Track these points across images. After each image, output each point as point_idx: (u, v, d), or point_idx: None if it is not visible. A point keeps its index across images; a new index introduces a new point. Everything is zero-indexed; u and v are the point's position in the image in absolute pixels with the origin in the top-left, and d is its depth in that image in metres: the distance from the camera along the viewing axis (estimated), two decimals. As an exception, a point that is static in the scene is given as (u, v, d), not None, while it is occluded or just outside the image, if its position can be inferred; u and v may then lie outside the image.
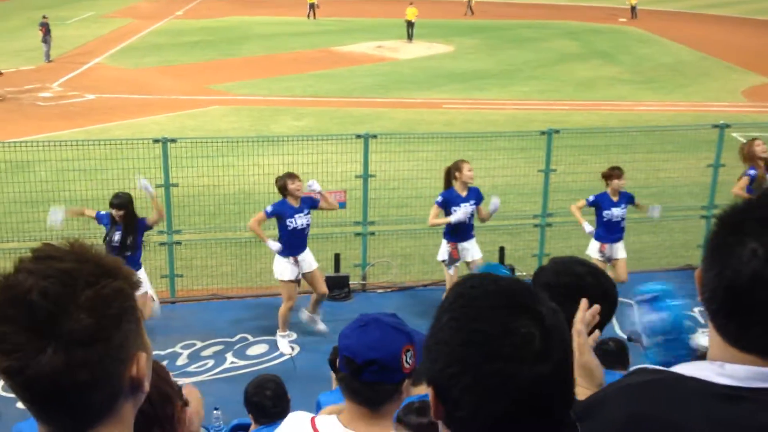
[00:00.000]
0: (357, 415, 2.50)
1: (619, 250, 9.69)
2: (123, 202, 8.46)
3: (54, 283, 1.25)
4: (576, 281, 2.50)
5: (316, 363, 8.04)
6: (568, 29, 40.41)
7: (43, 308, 1.24)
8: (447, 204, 9.21)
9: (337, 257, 10.63)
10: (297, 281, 9.01)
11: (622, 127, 16.39)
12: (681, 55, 33.45)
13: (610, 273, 9.52)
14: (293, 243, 8.85)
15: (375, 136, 10.95)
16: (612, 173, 9.55)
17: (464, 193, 9.20)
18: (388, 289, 10.87)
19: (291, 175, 8.81)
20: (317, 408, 4.41)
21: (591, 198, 9.64)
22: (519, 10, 48.95)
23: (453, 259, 9.37)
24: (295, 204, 8.78)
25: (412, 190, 11.65)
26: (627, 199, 9.64)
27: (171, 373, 2.45)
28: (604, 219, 9.55)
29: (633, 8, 45.14)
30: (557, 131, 11.33)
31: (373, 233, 11.10)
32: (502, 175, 11.58)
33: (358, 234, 10.92)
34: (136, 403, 1.42)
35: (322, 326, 9.23)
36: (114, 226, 8.58)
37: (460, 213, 9.13)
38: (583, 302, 2.22)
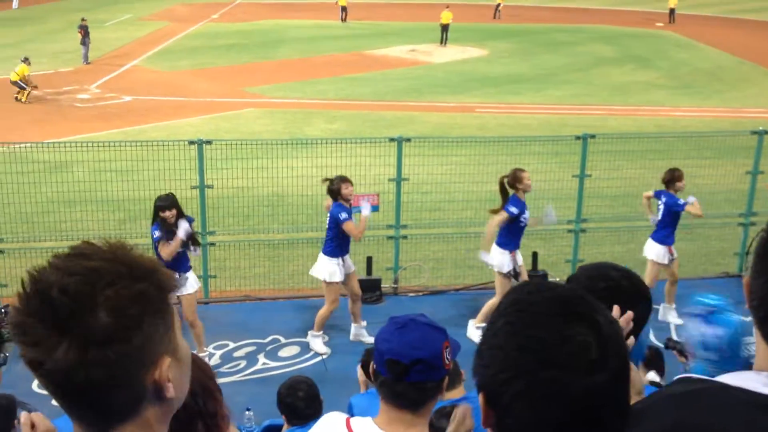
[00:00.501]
0: (395, 418, 2.49)
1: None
2: (173, 201, 8.21)
3: (76, 281, 1.26)
4: (613, 285, 2.45)
5: (347, 365, 8.05)
6: (604, 33, 40.08)
7: (63, 304, 1.25)
8: (521, 214, 9.02)
9: (369, 260, 10.63)
10: (344, 283, 9.07)
11: (658, 133, 16.23)
12: (719, 60, 33.00)
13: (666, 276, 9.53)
14: (342, 244, 8.94)
15: (409, 140, 10.94)
16: (674, 175, 9.35)
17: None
18: (420, 293, 10.85)
19: (345, 180, 8.80)
20: (349, 410, 4.40)
21: (671, 200, 9.39)
22: (553, 14, 48.67)
23: (517, 272, 9.16)
24: (348, 206, 8.88)
25: (444, 194, 11.62)
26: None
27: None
28: (671, 220, 9.43)
29: (672, 12, 44.59)
30: (593, 136, 11.22)
31: (405, 237, 11.08)
32: (535, 180, 11.40)
33: (390, 237, 10.91)
34: (165, 410, 1.40)
35: (370, 339, 9.16)
36: (168, 232, 8.19)
37: (531, 220, 9.18)
38: (615, 309, 2.18)
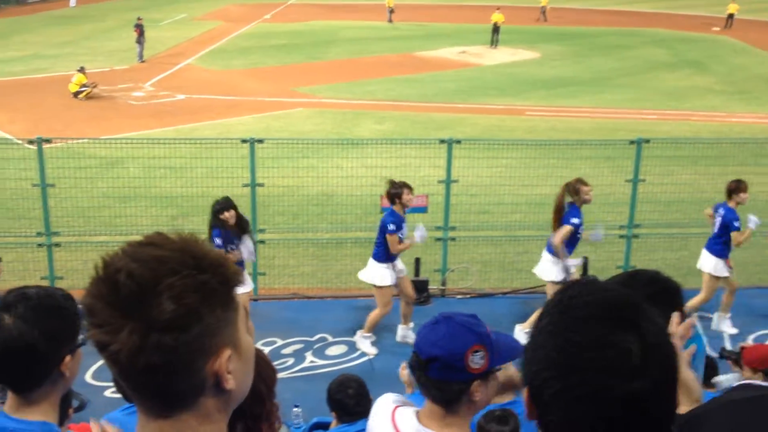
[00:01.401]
0: (432, 412, 2.51)
1: None
2: (230, 202, 8.29)
3: (141, 267, 1.30)
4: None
5: (393, 366, 8.06)
6: (658, 37, 39.45)
7: (128, 289, 1.28)
8: (581, 225, 9.03)
9: (417, 261, 10.64)
10: (395, 286, 9.10)
11: (713, 138, 15.92)
12: (777, 65, 32.26)
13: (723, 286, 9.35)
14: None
15: (459, 141, 10.91)
16: (739, 186, 9.17)
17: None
18: (467, 296, 10.82)
19: (407, 186, 8.84)
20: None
21: (729, 216, 9.22)
22: (606, 17, 48.03)
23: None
24: (402, 214, 8.90)
25: (493, 197, 11.57)
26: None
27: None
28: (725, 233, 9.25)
29: (730, 16, 43.65)
30: (647, 140, 11.07)
31: (453, 239, 11.06)
32: (586, 185, 11.38)
33: (438, 239, 10.90)
34: (224, 402, 1.41)
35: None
36: (230, 236, 8.26)
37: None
38: (676, 315, 2.15)
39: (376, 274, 8.99)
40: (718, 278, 9.36)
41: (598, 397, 1.32)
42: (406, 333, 9.36)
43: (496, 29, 35.13)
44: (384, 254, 8.94)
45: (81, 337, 2.02)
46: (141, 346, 1.28)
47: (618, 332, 1.35)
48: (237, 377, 1.39)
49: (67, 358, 2.22)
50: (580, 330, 1.36)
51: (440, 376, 2.42)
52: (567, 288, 1.48)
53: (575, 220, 8.86)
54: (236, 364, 1.39)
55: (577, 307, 1.41)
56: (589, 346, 1.34)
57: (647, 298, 2.22)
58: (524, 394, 1.44)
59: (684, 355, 2.17)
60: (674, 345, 1.42)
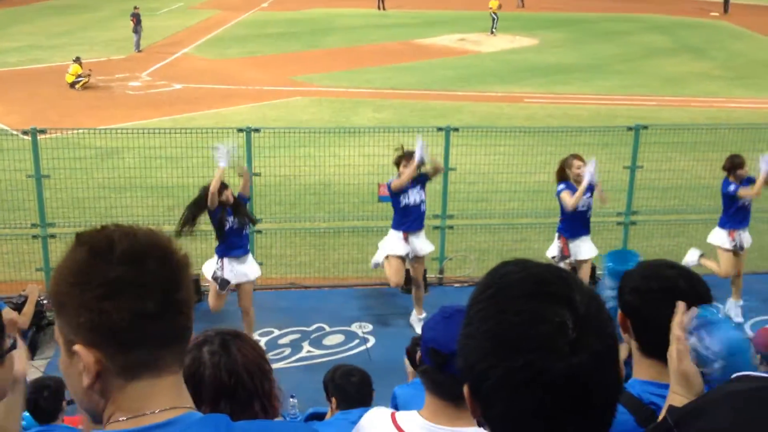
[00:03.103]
0: (439, 409, 2.47)
1: (746, 239, 9.42)
2: (225, 183, 8.13)
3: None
4: (668, 286, 2.30)
5: (390, 355, 8.05)
6: (657, 23, 39.32)
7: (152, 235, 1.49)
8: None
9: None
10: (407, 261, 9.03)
11: (711, 124, 15.85)
12: (776, 50, 32.17)
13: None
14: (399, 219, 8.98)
15: (456, 129, 10.87)
16: (734, 162, 9.13)
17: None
18: (465, 284, 10.79)
19: (410, 154, 8.71)
20: (392, 400, 4.40)
21: (723, 186, 9.26)
22: (605, 4, 47.83)
23: (563, 255, 9.00)
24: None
25: (491, 185, 11.53)
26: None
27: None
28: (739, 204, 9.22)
29: (726, 1, 43.52)
30: (645, 127, 11.02)
31: (451, 227, 11.03)
32: (584, 171, 11.34)
33: (436, 227, 10.86)
34: None
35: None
36: (224, 210, 8.10)
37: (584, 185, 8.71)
38: (681, 305, 2.08)
39: (387, 241, 8.96)
40: (725, 251, 9.32)
41: (539, 379, 1.24)
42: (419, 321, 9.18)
43: (494, 15, 34.98)
44: (397, 221, 8.90)
45: (11, 342, 1.93)
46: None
47: (551, 307, 1.28)
48: None
49: None
50: (513, 308, 1.29)
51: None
52: (494, 271, 1.40)
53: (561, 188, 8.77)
54: None
55: (508, 286, 1.33)
56: (523, 323, 1.27)
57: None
58: (465, 391, 1.36)
59: (687, 347, 2.11)
60: (607, 314, 1.34)
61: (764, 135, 13.66)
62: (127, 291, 1.35)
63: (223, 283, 8.14)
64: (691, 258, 9.45)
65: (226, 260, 8.18)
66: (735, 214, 9.28)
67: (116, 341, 1.35)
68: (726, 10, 43.30)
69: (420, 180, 8.84)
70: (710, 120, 18.85)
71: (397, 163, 8.77)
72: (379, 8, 42.96)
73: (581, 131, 13.05)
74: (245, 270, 8.33)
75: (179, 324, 1.42)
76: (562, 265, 8.71)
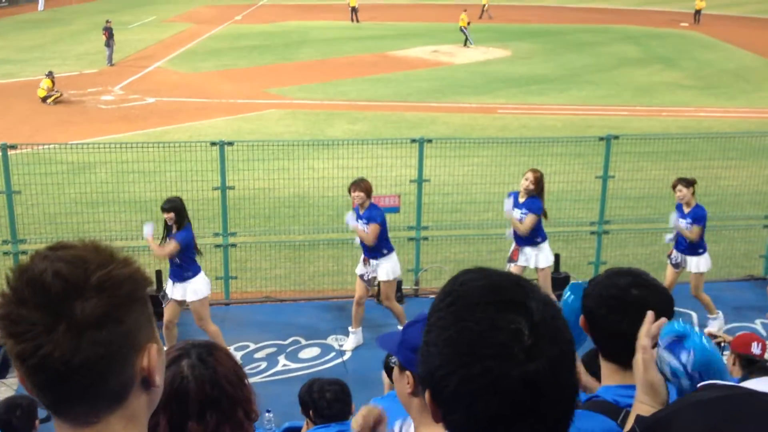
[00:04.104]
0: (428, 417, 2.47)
1: (690, 263, 9.33)
2: (173, 205, 8.31)
3: (67, 265, 1.29)
4: (618, 294, 2.32)
5: (366, 367, 8.04)
6: (628, 34, 39.78)
7: (57, 286, 1.27)
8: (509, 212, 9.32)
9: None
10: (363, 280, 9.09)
11: (682, 134, 16.08)
12: (745, 60, 32.64)
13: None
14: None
15: (430, 141, 10.91)
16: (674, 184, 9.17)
17: (522, 200, 9.13)
18: (441, 295, 10.80)
19: (354, 184, 8.85)
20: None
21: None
22: (577, 15, 48.39)
23: (511, 259, 9.37)
24: (361, 211, 8.86)
25: (465, 195, 11.58)
26: (693, 216, 9.02)
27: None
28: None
29: (698, 12, 44.12)
30: (616, 137, 11.13)
31: (426, 238, 11.06)
32: (557, 181, 11.44)
33: (411, 239, 10.89)
34: (150, 400, 1.42)
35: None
36: (166, 233, 8.41)
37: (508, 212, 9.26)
38: (649, 314, 2.10)
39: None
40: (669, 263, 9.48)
41: (496, 385, 1.28)
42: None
43: (464, 29, 35.13)
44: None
45: None
46: (78, 343, 1.27)
47: (507, 314, 1.31)
48: (160, 374, 1.40)
49: None
50: (472, 317, 1.32)
51: None
52: (453, 279, 1.43)
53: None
54: (159, 361, 1.39)
55: (467, 294, 1.36)
56: (481, 331, 1.30)
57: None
58: (426, 396, 1.39)
59: (650, 356, 2.14)
60: (563, 321, 1.37)
61: (734, 144, 13.86)
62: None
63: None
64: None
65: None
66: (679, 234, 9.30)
67: None
68: (697, 20, 43.90)
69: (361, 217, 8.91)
70: (681, 129, 19.10)
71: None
72: (352, 20, 43.09)
73: (554, 141, 13.18)
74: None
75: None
76: (511, 268, 8.91)
